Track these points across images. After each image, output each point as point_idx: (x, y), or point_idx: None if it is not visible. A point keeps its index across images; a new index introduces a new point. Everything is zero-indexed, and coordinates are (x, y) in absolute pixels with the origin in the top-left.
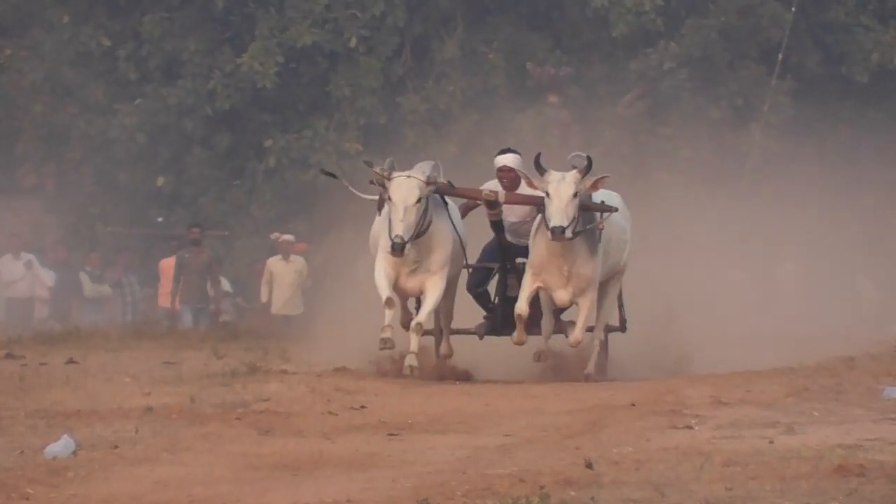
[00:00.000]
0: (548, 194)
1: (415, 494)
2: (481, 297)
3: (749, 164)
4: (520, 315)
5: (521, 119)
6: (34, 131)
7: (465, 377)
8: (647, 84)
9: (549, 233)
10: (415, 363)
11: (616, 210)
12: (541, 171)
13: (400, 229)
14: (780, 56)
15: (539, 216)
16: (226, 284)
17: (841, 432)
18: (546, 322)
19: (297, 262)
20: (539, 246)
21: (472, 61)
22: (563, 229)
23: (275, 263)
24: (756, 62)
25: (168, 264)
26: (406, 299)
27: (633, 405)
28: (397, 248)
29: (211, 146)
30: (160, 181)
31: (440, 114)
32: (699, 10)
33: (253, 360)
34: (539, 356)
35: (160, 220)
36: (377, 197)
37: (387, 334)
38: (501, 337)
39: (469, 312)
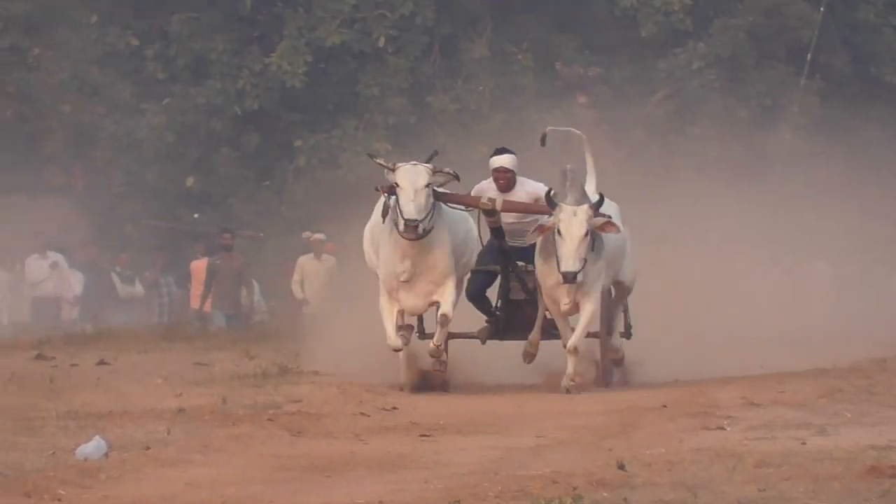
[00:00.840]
0: (559, 232)
1: (447, 496)
2: (482, 304)
3: (778, 163)
4: (571, 351)
5: (549, 119)
6: (62, 131)
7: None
8: (676, 84)
9: (560, 276)
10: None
11: (614, 220)
12: (552, 205)
13: (412, 209)
14: (808, 56)
15: (537, 228)
16: (257, 292)
17: (873, 433)
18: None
19: (329, 260)
20: (548, 273)
21: (501, 61)
22: (574, 275)
23: (307, 262)
24: (784, 62)
25: (199, 266)
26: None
27: (665, 407)
28: (411, 226)
29: (240, 146)
30: (189, 181)
31: (469, 113)
32: (727, 10)
33: (284, 362)
34: (529, 357)
35: (196, 216)
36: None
37: (406, 379)
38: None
39: (471, 316)
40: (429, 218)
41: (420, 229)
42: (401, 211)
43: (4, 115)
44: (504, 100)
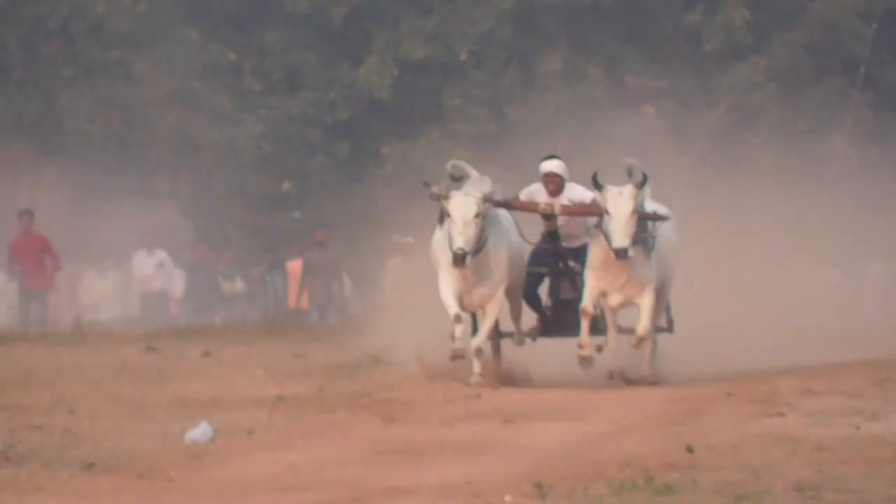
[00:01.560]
0: (608, 211)
1: (529, 477)
2: (533, 302)
3: (833, 170)
4: (585, 311)
5: (619, 129)
6: (167, 140)
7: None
8: (737, 96)
9: (612, 252)
10: (479, 381)
11: (669, 218)
12: (598, 187)
13: (461, 242)
14: (862, 69)
15: (595, 220)
16: (348, 287)
17: None
18: (611, 339)
19: (416, 262)
20: (599, 250)
21: (574, 74)
22: (626, 251)
23: (396, 264)
24: (839, 75)
25: (294, 266)
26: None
27: (729, 395)
28: (459, 260)
29: (332, 153)
30: (285, 186)
31: (544, 123)
32: (786, 26)
33: (376, 352)
34: (611, 375)
35: (296, 215)
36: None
37: (458, 346)
38: (555, 339)
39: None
40: (478, 241)
41: (467, 260)
42: (451, 240)
43: (113, 126)
44: (576, 110)
